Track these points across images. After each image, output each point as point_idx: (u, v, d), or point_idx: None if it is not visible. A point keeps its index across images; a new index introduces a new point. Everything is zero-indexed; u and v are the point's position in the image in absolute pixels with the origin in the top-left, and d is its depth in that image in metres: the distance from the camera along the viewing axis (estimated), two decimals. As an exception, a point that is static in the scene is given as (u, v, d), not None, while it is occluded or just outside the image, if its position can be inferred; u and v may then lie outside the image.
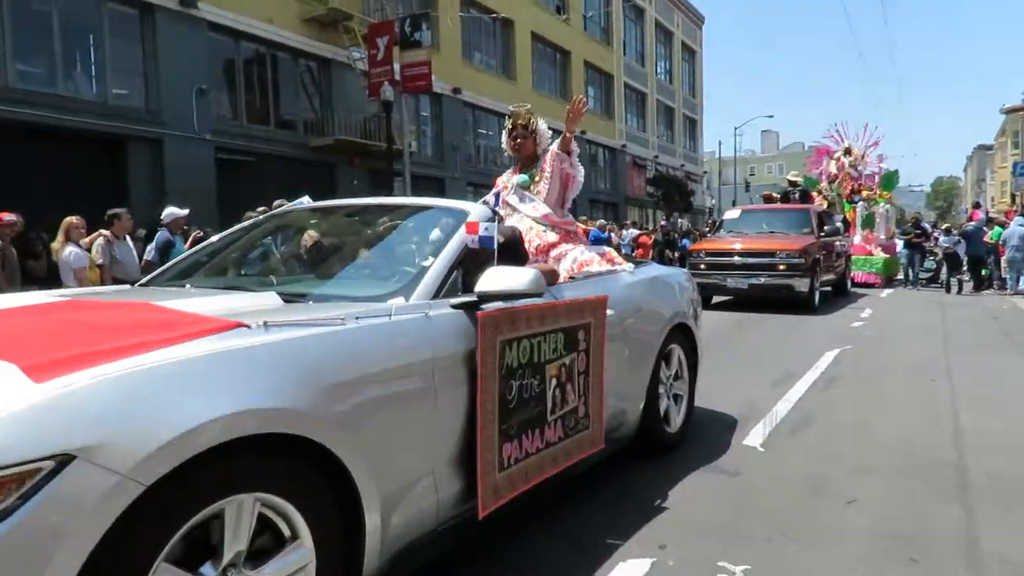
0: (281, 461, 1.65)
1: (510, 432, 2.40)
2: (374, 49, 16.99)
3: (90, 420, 1.32)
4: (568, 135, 3.86)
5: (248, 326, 1.71)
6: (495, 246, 2.59)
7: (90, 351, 1.47)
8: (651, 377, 3.45)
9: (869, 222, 15.51)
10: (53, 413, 1.29)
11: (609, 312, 3.11)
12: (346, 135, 17.28)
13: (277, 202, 3.52)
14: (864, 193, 16.14)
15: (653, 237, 16.47)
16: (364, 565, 1.85)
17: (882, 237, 15.61)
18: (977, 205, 21.41)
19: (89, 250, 6.68)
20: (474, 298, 2.30)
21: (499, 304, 2.35)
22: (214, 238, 3.42)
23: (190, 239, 8.72)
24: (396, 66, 16.97)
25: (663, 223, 22.24)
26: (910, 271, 14.82)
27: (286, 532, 1.69)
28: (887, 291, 14.10)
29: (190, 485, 1.44)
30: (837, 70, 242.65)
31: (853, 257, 14.04)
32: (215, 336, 1.65)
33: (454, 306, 2.28)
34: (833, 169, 16.69)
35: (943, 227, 18.87)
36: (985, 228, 14.31)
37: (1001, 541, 2.65)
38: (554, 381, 2.64)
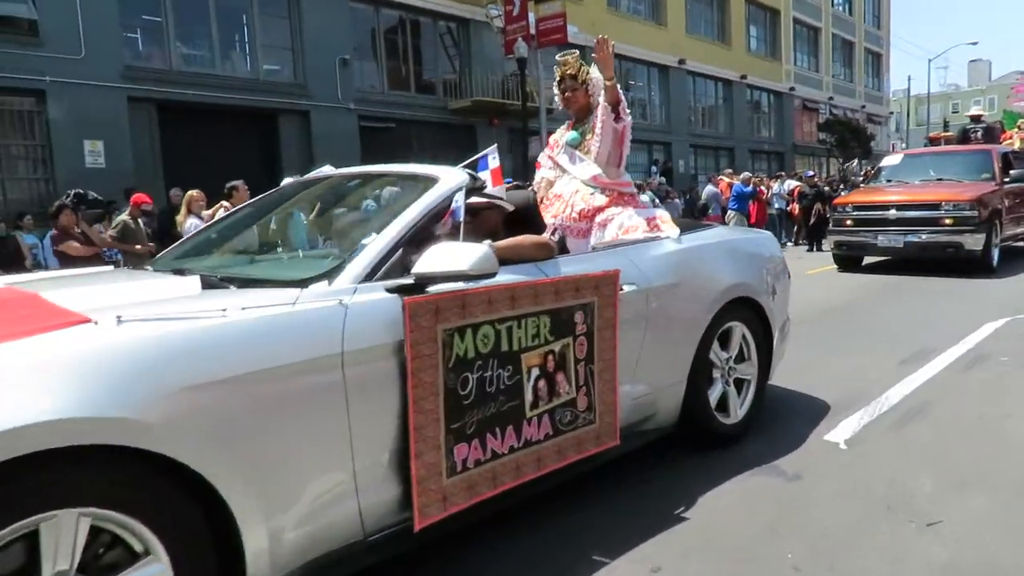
0: (117, 472, 1.50)
1: (466, 431, 2.11)
2: (510, 5, 16.66)
3: None
4: (608, 83, 3.39)
5: (95, 322, 1.57)
6: (460, 219, 2.28)
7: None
8: (694, 360, 2.98)
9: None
10: None
11: (630, 287, 2.70)
12: (484, 96, 17.23)
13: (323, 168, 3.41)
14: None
15: (798, 189, 14.88)
16: (249, 579, 1.68)
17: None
18: None
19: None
20: (410, 281, 2.02)
21: (455, 286, 2.05)
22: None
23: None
24: (532, 20, 16.56)
25: (839, 170, 20.12)
26: None
27: (137, 547, 1.54)
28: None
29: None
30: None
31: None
32: (53, 334, 1.52)
33: (390, 290, 2.01)
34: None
35: None
36: None
37: None
38: (535, 371, 2.31)
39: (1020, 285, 7.95)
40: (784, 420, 3.58)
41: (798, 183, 15.63)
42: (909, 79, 46.88)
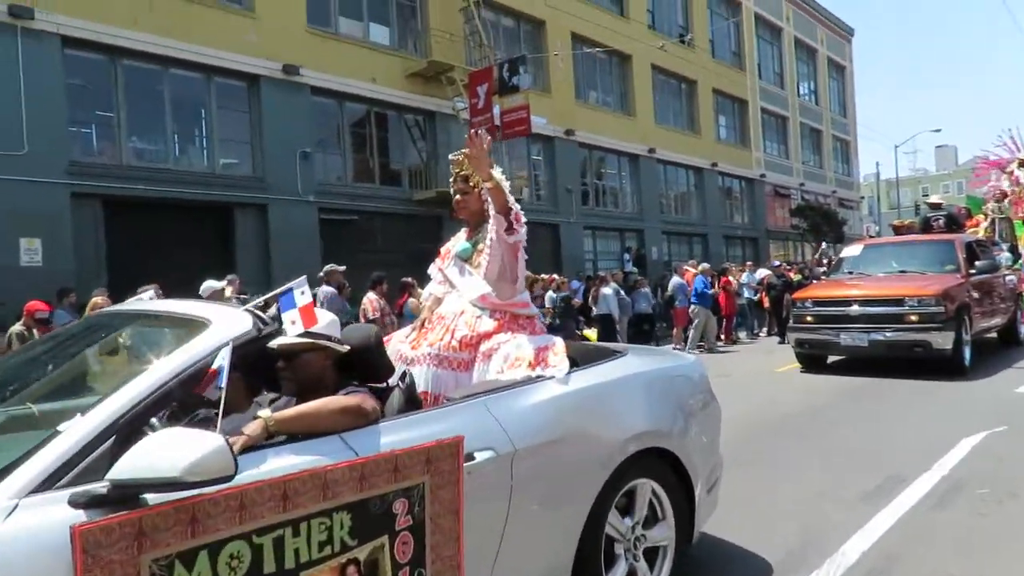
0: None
1: None
2: (475, 98, 16.74)
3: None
4: (489, 186, 2.92)
5: None
6: (223, 385, 1.71)
7: None
8: (585, 535, 2.37)
9: (1052, 249, 12.75)
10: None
11: (486, 454, 2.12)
12: (446, 187, 17.04)
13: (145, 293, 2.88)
14: (1045, 214, 13.36)
15: (767, 279, 14.51)
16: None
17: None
18: None
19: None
20: (105, 489, 1.43)
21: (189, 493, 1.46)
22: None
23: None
24: (497, 112, 16.59)
25: (815, 254, 19.91)
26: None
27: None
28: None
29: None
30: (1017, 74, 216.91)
31: (1029, 295, 11.50)
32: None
33: (79, 503, 1.42)
34: (1005, 185, 14.02)
35: None
36: None
37: None
38: (328, 589, 1.69)
39: (996, 388, 7.41)
40: (714, 592, 2.94)
41: (768, 272, 15.33)
42: (877, 164, 48.01)
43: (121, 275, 11.67)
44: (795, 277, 15.01)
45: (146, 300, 2.73)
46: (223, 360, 1.73)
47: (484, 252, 3.08)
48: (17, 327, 6.47)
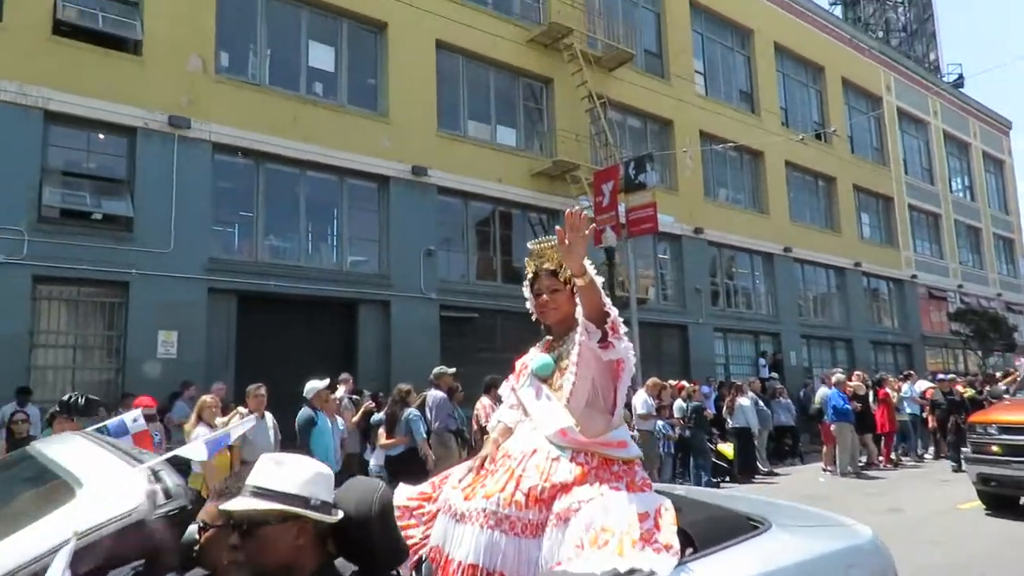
0: None
1: None
2: (599, 196, 16.44)
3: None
4: (581, 282, 2.25)
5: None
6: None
7: None
8: None
9: None
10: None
11: None
12: (572, 285, 16.57)
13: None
14: None
15: (930, 393, 12.63)
16: None
17: None
18: None
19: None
20: None
21: None
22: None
23: (360, 411, 8.20)
24: (622, 210, 16.16)
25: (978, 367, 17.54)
26: None
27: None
28: None
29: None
30: None
31: None
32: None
33: None
34: None
35: None
36: None
37: None
38: None
39: None
40: None
41: (931, 384, 13.45)
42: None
43: (248, 367, 11.87)
44: (966, 392, 13.06)
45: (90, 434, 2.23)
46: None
47: (568, 370, 2.39)
48: (126, 423, 6.36)
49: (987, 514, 7.60)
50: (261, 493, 1.45)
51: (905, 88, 30.20)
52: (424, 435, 7.06)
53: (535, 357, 2.57)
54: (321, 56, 14.68)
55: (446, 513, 2.24)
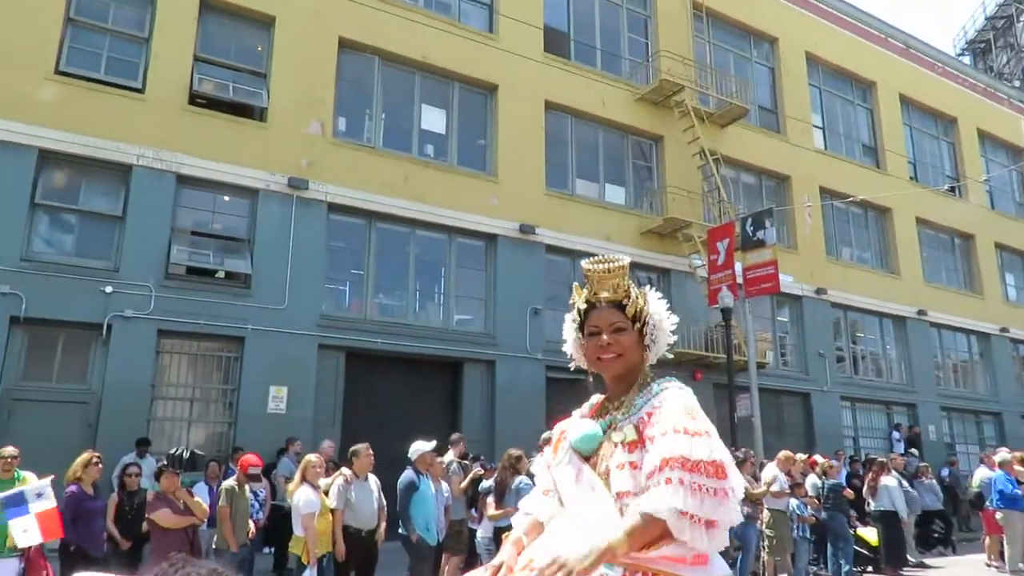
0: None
1: None
2: (714, 254, 15.66)
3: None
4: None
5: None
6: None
7: None
8: None
9: None
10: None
11: None
12: (686, 347, 15.72)
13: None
14: None
15: None
16: None
17: None
18: None
19: (327, 492, 5.99)
20: None
21: None
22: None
23: (468, 477, 7.79)
24: (739, 269, 15.29)
25: None
26: None
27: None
28: None
29: None
30: None
31: None
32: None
33: None
34: None
35: None
36: None
37: None
38: None
39: None
40: None
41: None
42: None
43: (354, 425, 11.82)
44: None
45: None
46: None
47: (636, 449, 1.74)
48: (230, 482, 6.22)
49: None
50: None
51: (1050, 138, 27.76)
52: (535, 506, 6.53)
53: (578, 424, 1.93)
54: (433, 118, 14.97)
55: None
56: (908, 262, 21.48)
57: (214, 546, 6.09)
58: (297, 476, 5.97)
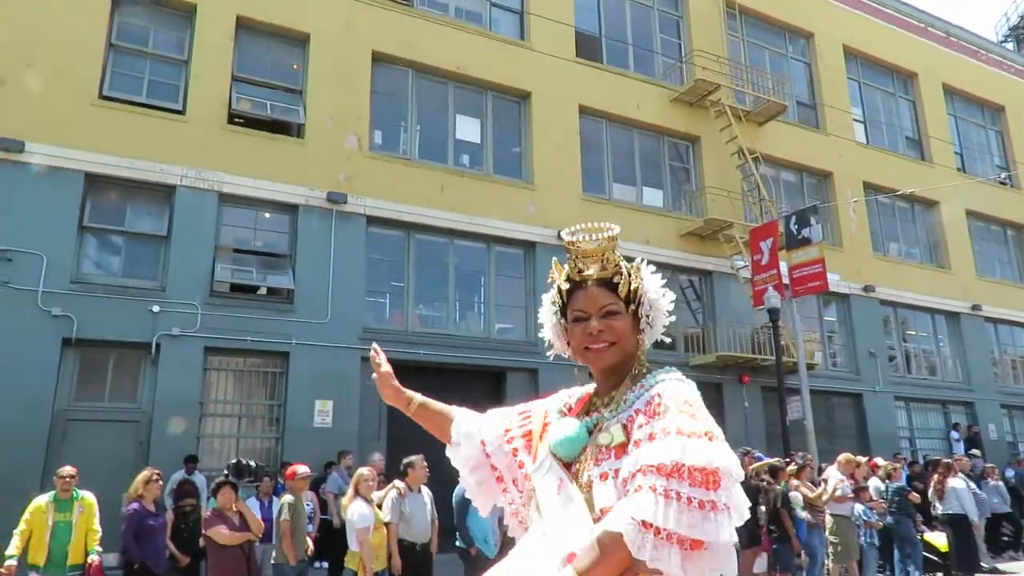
0: None
1: None
2: (757, 254, 15.30)
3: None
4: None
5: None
6: None
7: None
8: None
9: None
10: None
11: None
12: (731, 351, 15.39)
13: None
14: None
15: None
16: None
17: None
18: None
19: (380, 506, 5.89)
20: None
21: None
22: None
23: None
24: (784, 268, 14.92)
25: None
26: None
27: None
28: None
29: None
30: None
31: None
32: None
33: None
34: None
35: None
36: None
37: None
38: None
39: None
40: None
41: None
42: None
43: (399, 437, 11.69)
44: None
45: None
46: None
47: (606, 456, 1.47)
48: (288, 497, 6.15)
49: None
50: None
51: (1103, 123, 26.71)
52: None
53: (558, 425, 1.61)
54: (468, 128, 14.94)
55: None
56: (959, 256, 20.79)
57: (273, 561, 6.03)
58: (350, 490, 5.88)
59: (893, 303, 19.17)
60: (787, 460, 8.96)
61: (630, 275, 1.64)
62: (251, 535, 5.73)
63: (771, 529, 7.62)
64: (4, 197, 10.40)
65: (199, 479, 9.39)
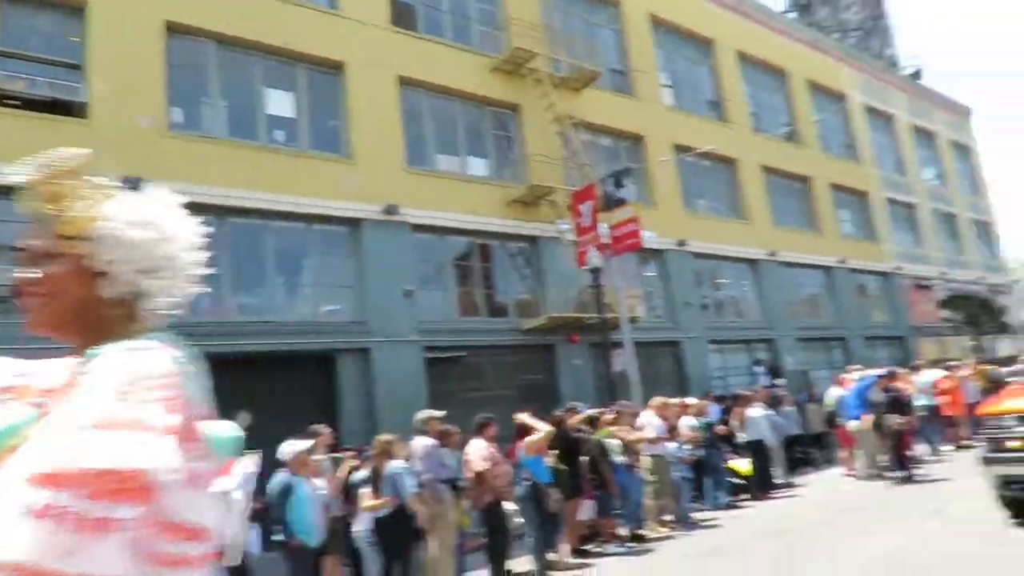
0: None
1: None
2: (579, 217, 16.00)
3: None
4: None
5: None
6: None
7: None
8: None
9: None
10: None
11: None
12: (560, 312, 16.05)
13: None
14: None
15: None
16: None
17: None
18: None
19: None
20: None
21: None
22: None
23: (344, 467, 7.55)
24: (604, 229, 15.72)
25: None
26: None
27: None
28: None
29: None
30: None
31: None
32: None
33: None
34: None
35: None
36: None
37: None
38: None
39: None
40: None
41: (944, 372, 12.97)
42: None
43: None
44: (911, 390, 11.97)
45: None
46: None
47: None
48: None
49: (1015, 523, 6.37)
50: None
51: (868, 84, 30.40)
52: (414, 489, 6.38)
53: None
54: (280, 102, 14.23)
55: None
56: (758, 208, 22.96)
57: None
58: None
59: (704, 255, 20.85)
60: (603, 410, 9.56)
61: (82, 204, 1.18)
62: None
63: (592, 477, 8.12)
64: None
65: None
